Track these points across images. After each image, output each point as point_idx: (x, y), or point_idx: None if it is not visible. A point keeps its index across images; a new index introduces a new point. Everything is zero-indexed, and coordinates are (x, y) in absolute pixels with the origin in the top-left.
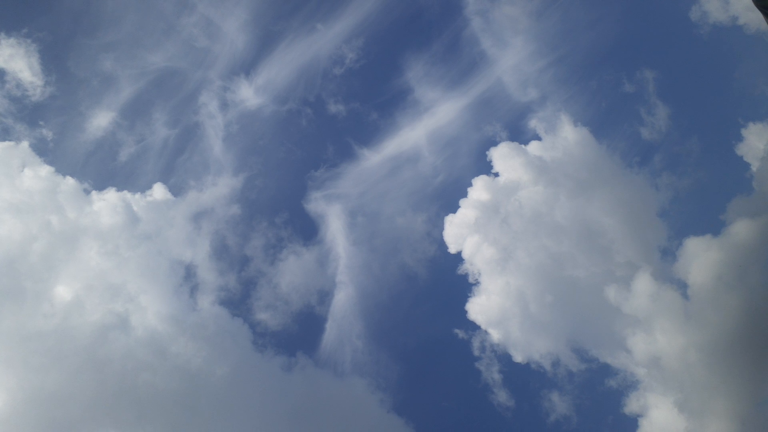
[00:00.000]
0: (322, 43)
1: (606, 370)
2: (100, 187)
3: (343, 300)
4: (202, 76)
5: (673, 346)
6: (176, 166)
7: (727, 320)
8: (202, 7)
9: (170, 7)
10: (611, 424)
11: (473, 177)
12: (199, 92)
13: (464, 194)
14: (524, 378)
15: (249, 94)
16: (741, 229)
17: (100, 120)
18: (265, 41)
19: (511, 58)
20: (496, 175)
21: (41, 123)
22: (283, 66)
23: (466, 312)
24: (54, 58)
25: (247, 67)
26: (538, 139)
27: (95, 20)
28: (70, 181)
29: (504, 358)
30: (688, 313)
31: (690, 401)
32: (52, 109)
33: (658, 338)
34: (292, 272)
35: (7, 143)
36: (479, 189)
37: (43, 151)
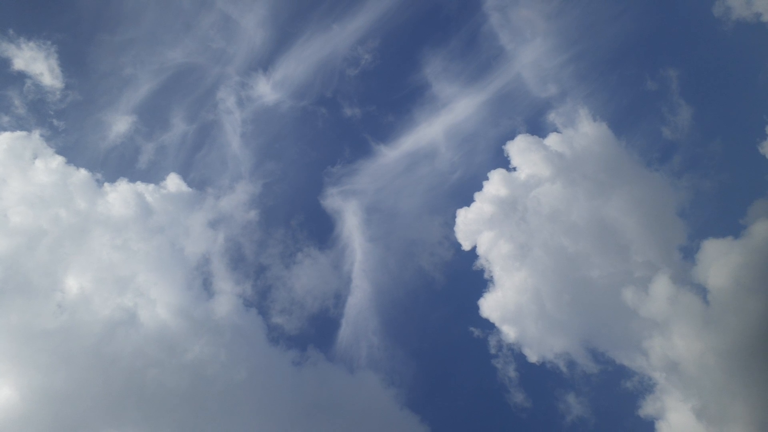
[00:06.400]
0: (340, 38)
1: (622, 372)
2: (113, 178)
3: (359, 297)
4: (220, 72)
5: (692, 350)
6: (193, 162)
7: (747, 325)
8: (221, 4)
9: (188, 3)
10: (629, 427)
11: (489, 171)
12: (217, 88)
13: (479, 188)
14: (539, 378)
15: (266, 90)
16: (762, 231)
17: (116, 113)
18: (282, 37)
19: (531, 54)
20: (514, 169)
21: (54, 114)
22: (301, 61)
23: (479, 309)
24: (73, 56)
25: (264, 62)
26: (557, 131)
27: (115, 18)
28: (82, 173)
29: (519, 357)
30: (707, 318)
31: (709, 406)
32: (67, 102)
33: (676, 343)
34: (307, 274)
35: (18, 133)
36: (495, 183)
37: (55, 142)
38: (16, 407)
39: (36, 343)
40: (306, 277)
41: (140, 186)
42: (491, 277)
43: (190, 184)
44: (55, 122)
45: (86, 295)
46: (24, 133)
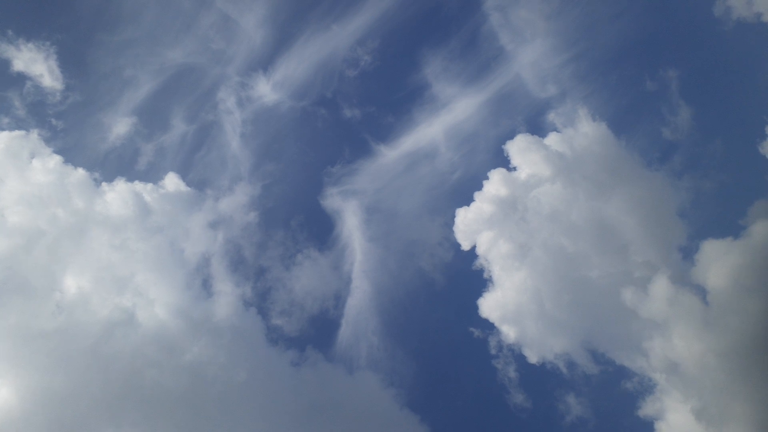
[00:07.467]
0: (339, 39)
1: (622, 373)
2: (111, 178)
3: (358, 297)
4: (220, 72)
5: (692, 351)
6: (193, 162)
7: (747, 325)
8: (221, 3)
9: (188, 3)
10: (629, 428)
11: (489, 170)
12: (218, 88)
13: (479, 187)
14: (539, 378)
15: (266, 90)
16: (762, 232)
17: (116, 114)
18: (282, 37)
19: (530, 54)
20: (514, 169)
21: (53, 114)
22: (301, 62)
23: (479, 309)
24: (73, 57)
25: (264, 63)
26: (557, 131)
27: (115, 18)
28: (80, 172)
29: (519, 358)
30: (706, 319)
31: (708, 407)
32: (67, 104)
33: (675, 343)
34: (307, 275)
35: (16, 133)
36: (495, 183)
37: (53, 142)
38: (14, 408)
39: (34, 343)
40: (306, 278)
41: (138, 185)
42: (491, 277)
43: (189, 183)
44: (54, 122)
45: (84, 295)
46: (22, 132)
